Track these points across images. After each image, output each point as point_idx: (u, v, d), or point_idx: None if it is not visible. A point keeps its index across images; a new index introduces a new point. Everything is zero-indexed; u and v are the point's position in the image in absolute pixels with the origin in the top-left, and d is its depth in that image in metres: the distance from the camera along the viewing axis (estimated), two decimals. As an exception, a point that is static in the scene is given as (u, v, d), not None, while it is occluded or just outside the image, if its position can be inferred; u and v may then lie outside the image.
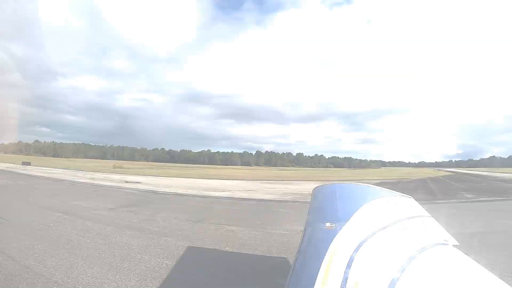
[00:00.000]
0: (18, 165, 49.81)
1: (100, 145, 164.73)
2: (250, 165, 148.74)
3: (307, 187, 26.09)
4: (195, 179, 36.76)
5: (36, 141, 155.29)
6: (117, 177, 34.23)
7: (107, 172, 43.45)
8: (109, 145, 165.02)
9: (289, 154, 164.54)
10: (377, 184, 3.89)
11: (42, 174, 32.47)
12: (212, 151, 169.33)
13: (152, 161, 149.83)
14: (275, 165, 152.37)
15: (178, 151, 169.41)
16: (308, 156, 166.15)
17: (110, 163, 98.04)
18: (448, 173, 75.44)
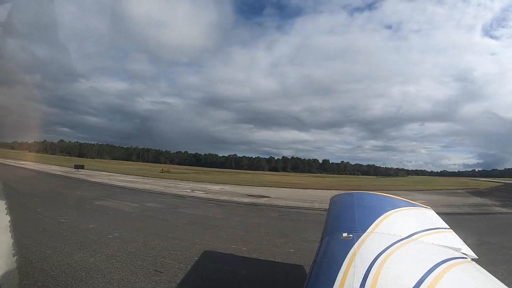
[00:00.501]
0: (69, 168, 44.29)
1: (124, 146, 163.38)
2: (277, 171, 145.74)
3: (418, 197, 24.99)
4: (269, 187, 32.38)
5: (61, 140, 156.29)
6: (238, 189, 28.00)
7: (171, 179, 38.30)
8: (133, 147, 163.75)
9: (315, 160, 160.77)
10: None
11: (136, 186, 25.61)
12: (238, 156, 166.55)
13: (177, 164, 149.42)
14: (302, 171, 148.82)
15: (203, 154, 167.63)
16: (334, 163, 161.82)
17: (147, 166, 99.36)
18: (496, 183, 62.65)
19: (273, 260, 7.10)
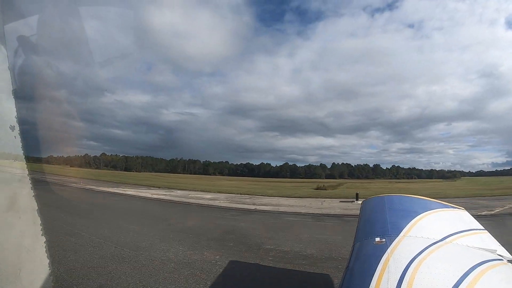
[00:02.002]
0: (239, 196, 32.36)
1: (167, 159, 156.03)
2: (334, 178, 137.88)
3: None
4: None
5: (103, 154, 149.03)
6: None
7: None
8: (178, 159, 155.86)
9: (366, 165, 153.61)
10: None
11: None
12: (297, 165, 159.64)
13: (228, 175, 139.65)
14: (358, 177, 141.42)
15: (257, 164, 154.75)
16: (386, 168, 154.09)
17: (242, 180, 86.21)
18: None
19: None
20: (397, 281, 1.68)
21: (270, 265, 7.51)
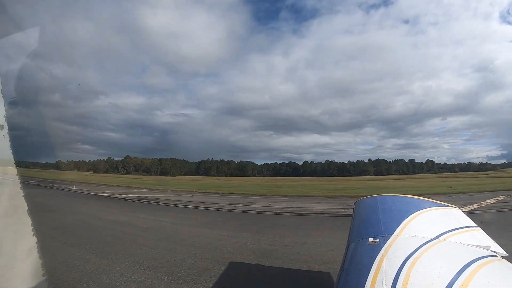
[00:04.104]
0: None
1: (194, 161, 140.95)
2: (382, 174, 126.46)
3: None
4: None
5: (127, 156, 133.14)
6: None
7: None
8: (210, 159, 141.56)
9: (401, 160, 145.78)
10: None
11: None
12: (336, 161, 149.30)
13: (269, 176, 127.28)
14: (388, 173, 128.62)
15: (301, 163, 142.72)
16: (420, 162, 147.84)
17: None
18: None
19: None
20: (392, 281, 1.67)
21: (271, 265, 7.44)
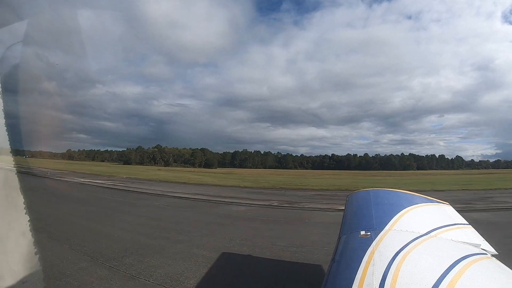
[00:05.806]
0: None
1: (218, 152, 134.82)
2: (409, 170, 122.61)
3: None
4: None
5: (140, 147, 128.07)
6: None
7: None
8: (241, 150, 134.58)
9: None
10: None
11: None
12: (370, 156, 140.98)
13: (312, 169, 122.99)
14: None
15: (342, 156, 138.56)
16: (444, 156, 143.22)
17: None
18: None
19: None
20: (382, 274, 1.67)
21: (263, 256, 7.49)
